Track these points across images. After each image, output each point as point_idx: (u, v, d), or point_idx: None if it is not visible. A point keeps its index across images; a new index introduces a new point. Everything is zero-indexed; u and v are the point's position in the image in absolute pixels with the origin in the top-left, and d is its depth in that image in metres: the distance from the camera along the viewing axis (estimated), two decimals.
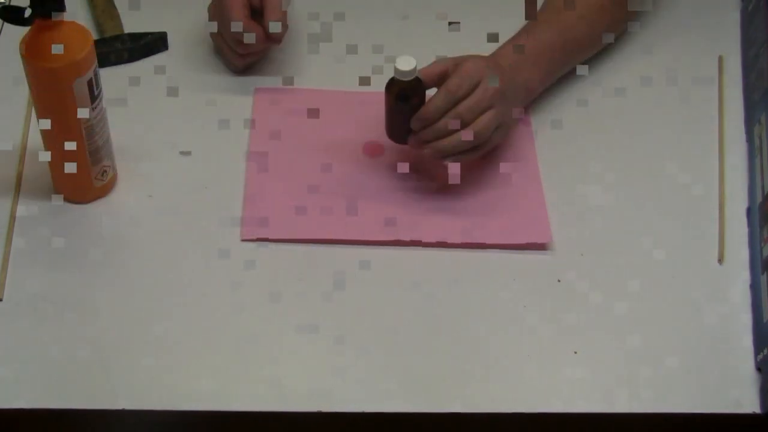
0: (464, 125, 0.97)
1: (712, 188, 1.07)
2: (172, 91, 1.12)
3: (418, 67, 0.98)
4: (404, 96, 0.98)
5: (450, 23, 1.20)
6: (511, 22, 1.11)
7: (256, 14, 1.09)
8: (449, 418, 0.90)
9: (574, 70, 1.13)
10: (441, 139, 0.98)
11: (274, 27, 1.07)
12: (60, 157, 0.99)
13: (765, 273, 0.97)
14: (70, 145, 0.96)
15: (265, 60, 1.15)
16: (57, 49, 0.89)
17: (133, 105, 1.10)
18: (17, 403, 0.88)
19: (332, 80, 1.14)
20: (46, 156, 0.97)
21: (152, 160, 1.06)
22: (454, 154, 0.99)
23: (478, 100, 0.97)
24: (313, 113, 1.06)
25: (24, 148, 1.06)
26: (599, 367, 0.93)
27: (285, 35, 1.09)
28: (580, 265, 1.00)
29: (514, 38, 1.08)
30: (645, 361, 0.93)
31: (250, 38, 1.07)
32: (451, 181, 1.03)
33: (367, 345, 0.93)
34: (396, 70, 0.97)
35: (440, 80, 0.99)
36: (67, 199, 1.02)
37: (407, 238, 1.00)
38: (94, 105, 0.95)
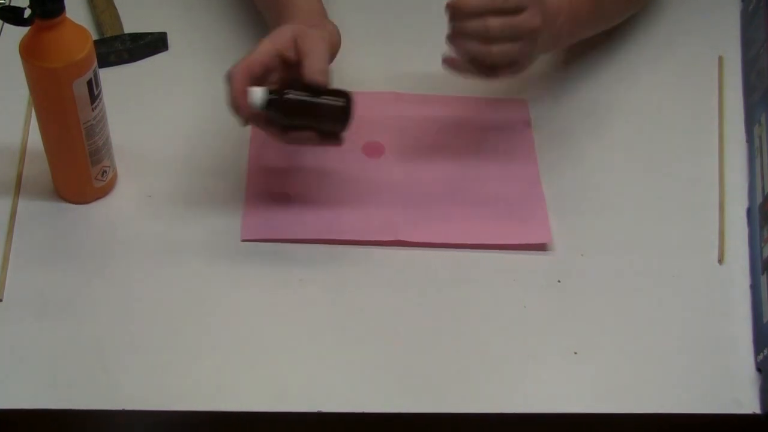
0: (488, 41, 0.93)
1: (712, 188, 1.07)
2: (172, 91, 1.13)
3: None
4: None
5: None
6: None
7: (292, 68, 0.96)
8: (449, 418, 0.90)
9: (574, 67, 1.13)
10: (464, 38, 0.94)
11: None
12: (60, 157, 0.99)
13: (765, 273, 0.97)
14: (70, 146, 0.97)
15: None
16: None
17: (133, 105, 1.10)
18: (17, 403, 0.88)
19: (332, 80, 1.14)
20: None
21: (152, 160, 1.06)
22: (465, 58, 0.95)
23: (515, 24, 0.93)
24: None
25: (24, 148, 1.06)
26: (599, 367, 0.93)
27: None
28: (580, 265, 1.00)
29: None
30: (645, 361, 0.93)
31: (241, 119, 0.95)
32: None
33: (367, 345, 0.93)
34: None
35: None
36: (67, 199, 1.02)
37: (407, 239, 1.00)
38: (94, 105, 0.95)
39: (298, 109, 0.94)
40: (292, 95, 0.93)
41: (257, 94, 0.93)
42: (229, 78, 0.93)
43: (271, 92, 0.93)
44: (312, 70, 0.93)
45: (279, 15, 1.02)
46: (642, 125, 1.13)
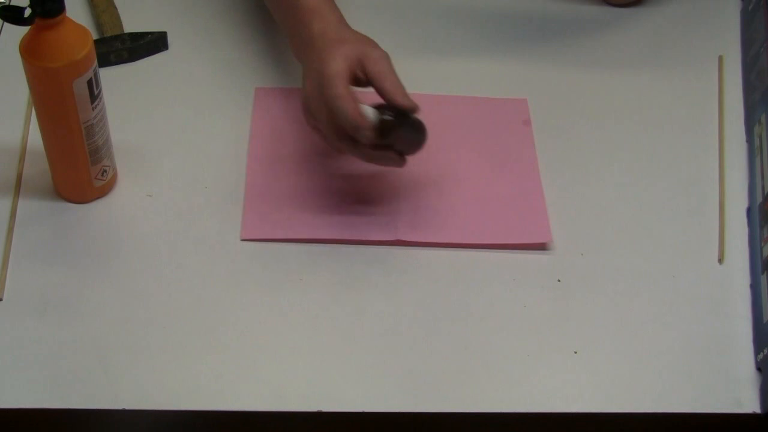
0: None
1: (712, 188, 1.07)
2: (172, 91, 1.13)
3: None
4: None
5: None
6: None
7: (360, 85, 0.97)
8: (449, 418, 0.90)
9: (574, 67, 1.13)
10: None
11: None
12: (60, 157, 0.99)
13: (765, 273, 0.97)
14: (70, 145, 0.96)
15: (265, 60, 1.15)
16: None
17: (133, 105, 1.10)
18: (17, 403, 0.88)
19: None
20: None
21: (152, 160, 1.06)
22: None
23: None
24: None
25: (24, 148, 1.06)
26: (599, 367, 0.93)
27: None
28: (580, 265, 1.00)
29: None
30: (645, 361, 0.93)
31: (366, 137, 0.94)
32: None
33: (367, 345, 0.93)
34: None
35: None
36: (67, 199, 1.02)
37: (407, 238, 1.00)
38: (94, 105, 0.95)
39: (392, 131, 0.94)
40: (389, 116, 0.94)
41: (370, 112, 0.93)
42: (336, 99, 0.92)
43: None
44: (397, 94, 0.94)
45: (303, 24, 1.00)
46: (642, 125, 1.13)
